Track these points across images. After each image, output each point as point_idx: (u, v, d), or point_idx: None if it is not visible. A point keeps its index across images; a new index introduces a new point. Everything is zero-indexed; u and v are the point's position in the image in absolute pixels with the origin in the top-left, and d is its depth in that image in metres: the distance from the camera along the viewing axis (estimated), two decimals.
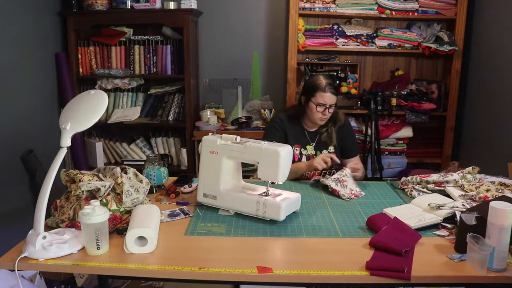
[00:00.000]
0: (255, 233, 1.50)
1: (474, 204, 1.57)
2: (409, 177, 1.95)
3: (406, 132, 3.53)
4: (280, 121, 2.27)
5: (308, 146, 2.27)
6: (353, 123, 3.54)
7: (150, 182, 1.74)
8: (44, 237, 1.32)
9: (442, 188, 1.82)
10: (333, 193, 1.89)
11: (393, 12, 3.38)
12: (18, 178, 2.90)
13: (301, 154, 2.25)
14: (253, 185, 1.75)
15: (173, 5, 3.41)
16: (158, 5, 3.39)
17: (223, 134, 1.70)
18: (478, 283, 1.25)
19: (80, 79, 3.60)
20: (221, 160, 1.67)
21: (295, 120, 2.27)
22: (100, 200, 1.45)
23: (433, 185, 1.86)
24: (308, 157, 2.24)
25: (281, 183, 1.64)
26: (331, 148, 2.27)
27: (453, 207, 1.58)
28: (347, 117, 2.37)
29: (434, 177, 1.88)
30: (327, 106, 2.15)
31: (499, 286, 1.28)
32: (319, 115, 2.17)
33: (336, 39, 3.45)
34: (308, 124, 2.28)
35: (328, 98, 2.14)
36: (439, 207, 1.59)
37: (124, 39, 3.56)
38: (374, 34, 3.45)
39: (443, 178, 1.85)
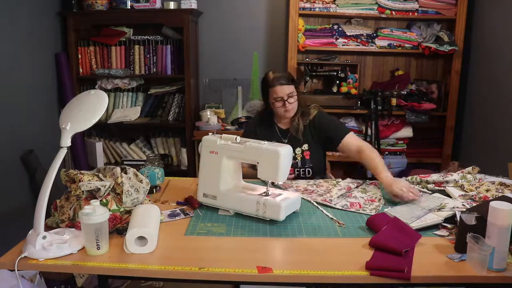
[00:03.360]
0: (255, 233, 1.50)
1: (474, 204, 1.57)
2: (409, 177, 1.95)
3: (406, 132, 3.53)
4: (250, 126, 2.32)
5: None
6: (353, 123, 3.53)
7: None
8: (44, 237, 1.32)
9: (442, 188, 1.82)
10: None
11: (393, 12, 3.38)
12: (18, 178, 2.90)
13: None
14: (253, 185, 1.75)
15: (173, 5, 3.41)
16: (158, 5, 3.39)
17: (223, 134, 1.71)
18: (478, 283, 1.25)
19: (80, 79, 3.60)
20: (221, 160, 1.67)
21: (268, 120, 2.26)
22: (100, 200, 1.45)
23: (433, 185, 1.85)
24: None
25: (281, 183, 1.64)
26: (305, 146, 2.19)
27: (453, 207, 1.57)
28: (321, 111, 2.24)
29: (434, 177, 1.88)
30: (285, 99, 2.12)
31: (499, 286, 1.28)
32: (282, 109, 2.14)
33: (336, 39, 3.45)
34: (280, 121, 2.25)
35: (280, 91, 2.11)
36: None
37: (124, 39, 3.56)
38: (374, 34, 3.45)
39: (443, 178, 1.85)
